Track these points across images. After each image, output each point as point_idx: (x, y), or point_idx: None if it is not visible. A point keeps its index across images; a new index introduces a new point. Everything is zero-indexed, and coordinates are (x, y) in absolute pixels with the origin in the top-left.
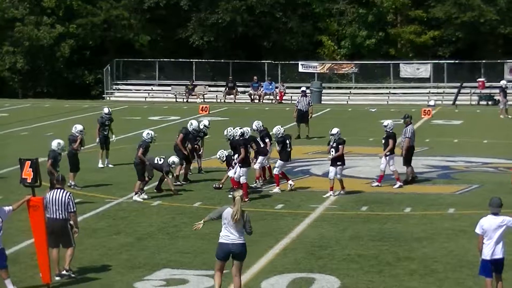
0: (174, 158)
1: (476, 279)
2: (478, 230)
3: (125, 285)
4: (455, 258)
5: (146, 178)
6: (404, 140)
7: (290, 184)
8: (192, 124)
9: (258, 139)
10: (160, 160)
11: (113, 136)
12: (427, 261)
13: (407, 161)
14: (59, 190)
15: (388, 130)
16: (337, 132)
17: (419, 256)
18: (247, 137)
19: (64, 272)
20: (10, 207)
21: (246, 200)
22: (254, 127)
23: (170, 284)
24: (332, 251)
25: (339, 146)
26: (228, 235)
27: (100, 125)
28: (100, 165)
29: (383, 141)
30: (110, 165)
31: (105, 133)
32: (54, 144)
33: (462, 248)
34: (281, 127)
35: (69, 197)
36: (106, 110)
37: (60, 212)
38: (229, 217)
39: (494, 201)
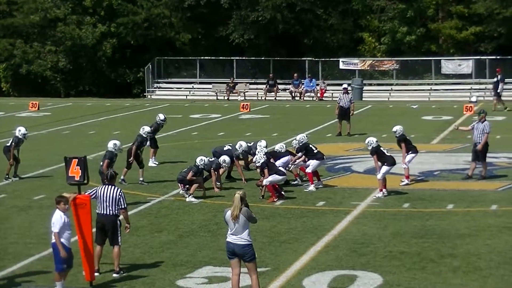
0: (225, 157)
1: None
2: None
3: (167, 283)
4: (499, 255)
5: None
6: (480, 136)
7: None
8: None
9: None
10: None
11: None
12: (470, 258)
13: (484, 157)
14: (110, 186)
15: (397, 135)
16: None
17: (462, 253)
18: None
19: (115, 275)
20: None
21: (275, 200)
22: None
23: (212, 282)
24: (374, 248)
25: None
26: (230, 234)
27: (153, 130)
28: (151, 163)
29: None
30: (155, 163)
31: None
32: (110, 145)
33: (506, 244)
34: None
35: (120, 193)
36: (162, 116)
37: (111, 209)
38: (229, 216)
39: None
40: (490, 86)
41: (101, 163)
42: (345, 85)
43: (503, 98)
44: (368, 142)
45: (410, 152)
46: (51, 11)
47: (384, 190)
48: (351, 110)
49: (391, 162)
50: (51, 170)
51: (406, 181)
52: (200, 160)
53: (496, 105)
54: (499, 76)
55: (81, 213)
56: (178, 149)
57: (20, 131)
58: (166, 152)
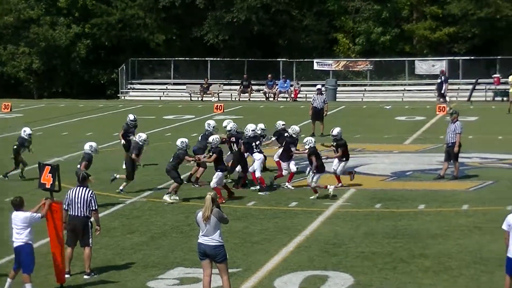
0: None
1: (490, 276)
2: (504, 226)
3: (139, 284)
4: (470, 255)
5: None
6: (452, 136)
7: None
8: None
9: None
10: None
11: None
12: (442, 258)
13: (456, 157)
14: (81, 188)
15: (338, 138)
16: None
17: (433, 253)
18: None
19: (86, 276)
20: (39, 215)
21: (223, 201)
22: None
23: (183, 283)
24: (346, 248)
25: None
26: (202, 235)
27: (124, 131)
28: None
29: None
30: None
31: (129, 138)
32: (87, 147)
33: (477, 244)
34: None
35: (91, 195)
36: (131, 117)
37: (82, 210)
38: (200, 218)
39: None
40: (464, 87)
41: (79, 165)
42: (319, 86)
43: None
44: (306, 141)
45: (344, 159)
46: (25, 12)
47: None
48: (325, 111)
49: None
50: (24, 172)
51: (333, 186)
52: (181, 142)
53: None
54: (442, 77)
55: (55, 218)
56: (152, 150)
57: (25, 131)
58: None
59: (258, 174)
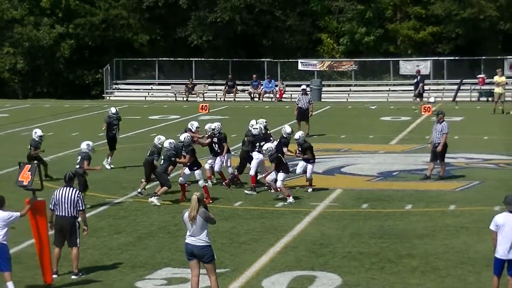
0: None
1: (477, 276)
2: (492, 226)
3: (126, 285)
4: (457, 255)
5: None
6: (439, 137)
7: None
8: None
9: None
10: None
11: (119, 134)
12: (429, 258)
13: (442, 157)
14: (68, 188)
15: (300, 142)
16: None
17: (420, 253)
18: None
19: (74, 276)
20: (18, 214)
21: (210, 202)
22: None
23: (171, 283)
24: (333, 248)
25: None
26: (189, 235)
27: (107, 125)
28: (107, 166)
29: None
30: (111, 166)
31: (113, 132)
32: (84, 146)
33: (464, 244)
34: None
35: (79, 195)
36: (113, 110)
37: (69, 210)
38: (187, 218)
39: (510, 198)
40: (449, 87)
41: (78, 166)
42: (304, 87)
43: (457, 99)
44: (267, 149)
45: (312, 161)
46: (8, 12)
47: (291, 197)
48: (310, 111)
49: (288, 169)
50: (7, 172)
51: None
52: (170, 143)
53: (417, 105)
54: (418, 77)
55: (38, 217)
56: (137, 151)
57: (36, 133)
58: (125, 154)
59: (252, 172)
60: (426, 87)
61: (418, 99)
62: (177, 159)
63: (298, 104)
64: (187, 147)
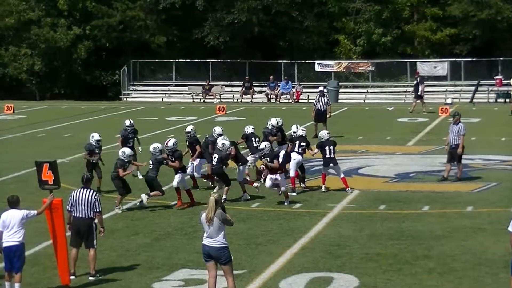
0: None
1: (494, 277)
2: (510, 228)
3: (143, 286)
4: (474, 256)
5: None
6: (455, 138)
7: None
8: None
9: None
10: None
11: (140, 147)
12: (446, 259)
13: (460, 159)
14: (85, 189)
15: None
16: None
17: (437, 255)
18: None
19: (91, 278)
20: (34, 211)
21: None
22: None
23: (188, 284)
24: (350, 250)
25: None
26: (206, 237)
27: (123, 138)
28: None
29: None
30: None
31: (129, 145)
32: (120, 152)
33: (481, 246)
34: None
35: (96, 197)
36: (127, 122)
37: (87, 212)
38: (204, 219)
39: None
40: (466, 89)
41: (115, 171)
42: (321, 88)
43: (475, 100)
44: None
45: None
46: (25, 14)
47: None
48: (328, 113)
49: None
50: (25, 173)
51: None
52: (154, 148)
53: (415, 106)
54: (418, 79)
55: (55, 217)
56: None
57: (93, 137)
58: (141, 155)
59: (292, 174)
60: (443, 89)
61: (418, 101)
62: (169, 163)
63: (315, 106)
64: (174, 152)
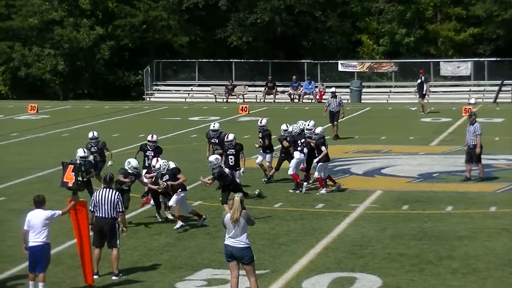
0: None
1: None
2: None
3: (166, 286)
4: (497, 257)
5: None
6: (472, 138)
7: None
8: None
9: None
10: None
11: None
12: (469, 259)
13: (479, 159)
14: (108, 189)
15: (294, 134)
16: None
17: (460, 255)
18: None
19: (114, 277)
20: (59, 211)
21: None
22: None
23: (211, 284)
24: (373, 250)
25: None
26: (228, 237)
27: (143, 153)
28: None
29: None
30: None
31: (149, 162)
32: (126, 163)
33: (504, 246)
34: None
35: (118, 196)
36: (149, 137)
37: (109, 211)
38: (228, 220)
39: None
40: (489, 89)
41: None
42: (332, 89)
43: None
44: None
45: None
46: (48, 14)
47: None
48: (341, 113)
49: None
50: (49, 173)
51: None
52: (128, 163)
53: (424, 106)
54: (422, 78)
55: (80, 217)
56: (177, 152)
57: (130, 163)
58: (163, 155)
59: (291, 172)
60: (466, 89)
61: (420, 99)
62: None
63: (328, 108)
64: (168, 170)
